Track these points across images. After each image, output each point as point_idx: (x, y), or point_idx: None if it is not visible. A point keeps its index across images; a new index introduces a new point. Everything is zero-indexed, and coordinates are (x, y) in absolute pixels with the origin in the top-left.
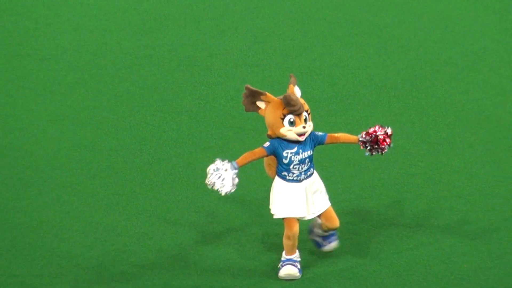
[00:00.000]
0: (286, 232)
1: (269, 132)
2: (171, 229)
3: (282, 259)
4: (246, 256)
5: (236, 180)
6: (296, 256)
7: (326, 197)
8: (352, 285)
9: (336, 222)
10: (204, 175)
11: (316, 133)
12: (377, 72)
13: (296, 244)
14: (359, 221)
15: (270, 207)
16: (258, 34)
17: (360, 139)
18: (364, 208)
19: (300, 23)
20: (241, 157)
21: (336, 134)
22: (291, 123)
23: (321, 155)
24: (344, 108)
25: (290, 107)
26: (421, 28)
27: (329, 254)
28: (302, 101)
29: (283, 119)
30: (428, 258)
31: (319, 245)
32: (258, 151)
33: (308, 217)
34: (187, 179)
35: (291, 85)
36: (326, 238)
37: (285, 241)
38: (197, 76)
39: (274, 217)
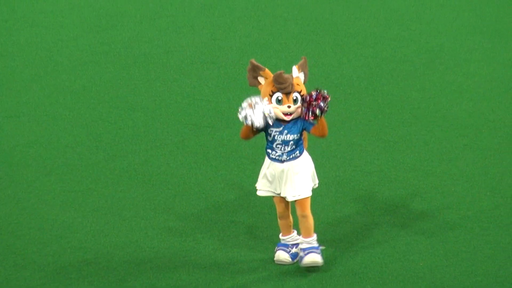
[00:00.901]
0: (277, 212)
1: None
2: (127, 226)
3: (281, 242)
4: (202, 253)
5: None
6: (311, 240)
7: (309, 185)
8: (308, 283)
9: (304, 210)
10: (160, 172)
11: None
12: (333, 69)
13: (291, 223)
14: (314, 219)
15: (256, 185)
16: (214, 31)
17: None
18: (319, 206)
19: (256, 20)
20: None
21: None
22: (279, 101)
23: None
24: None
25: (277, 84)
26: (377, 25)
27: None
28: (296, 81)
29: (271, 96)
30: (383, 257)
31: (299, 258)
32: (246, 128)
33: (289, 198)
34: (143, 176)
35: (294, 66)
36: (304, 249)
37: (278, 221)
38: (153, 73)
39: (257, 193)
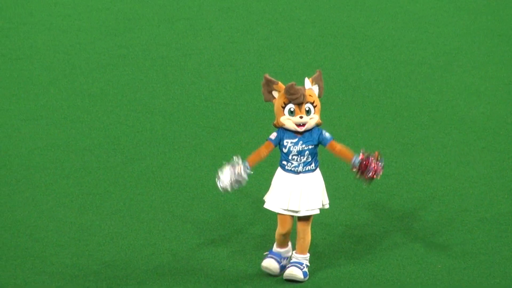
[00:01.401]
0: (278, 230)
1: (274, 122)
2: (145, 229)
3: (274, 251)
4: (220, 256)
5: (237, 178)
6: (301, 257)
7: (321, 201)
8: (326, 285)
9: (307, 227)
10: (178, 175)
11: (324, 132)
12: (351, 72)
13: (289, 239)
14: (332, 221)
15: (265, 197)
16: (232, 34)
17: (354, 164)
18: (337, 208)
19: (274, 23)
20: (250, 157)
21: (337, 145)
22: (291, 113)
23: None
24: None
25: (289, 95)
26: (395, 28)
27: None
28: (309, 92)
29: (284, 107)
30: (402, 259)
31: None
32: (265, 147)
33: (302, 213)
34: (160, 179)
35: (306, 78)
36: (291, 261)
37: (278, 236)
38: (171, 76)
39: (265, 206)
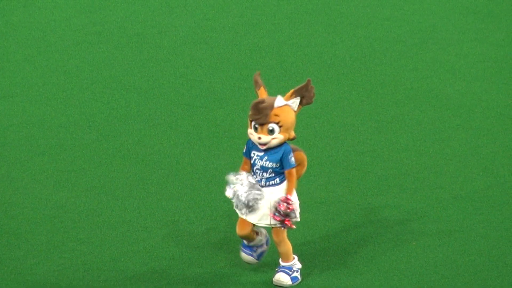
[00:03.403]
0: (236, 230)
1: None
2: (120, 206)
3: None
4: (194, 233)
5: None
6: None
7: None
8: (300, 262)
9: (278, 236)
10: (153, 152)
11: (290, 158)
12: (326, 49)
13: (253, 236)
14: (307, 198)
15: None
16: (207, 11)
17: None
18: (312, 185)
19: (248, 1)
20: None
21: (291, 177)
22: (255, 129)
23: None
24: (293, 85)
25: (251, 113)
26: (370, 5)
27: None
28: (276, 112)
29: (251, 121)
30: (376, 236)
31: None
32: (244, 163)
33: (257, 223)
34: (136, 156)
35: (279, 96)
36: (279, 266)
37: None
38: (146, 53)
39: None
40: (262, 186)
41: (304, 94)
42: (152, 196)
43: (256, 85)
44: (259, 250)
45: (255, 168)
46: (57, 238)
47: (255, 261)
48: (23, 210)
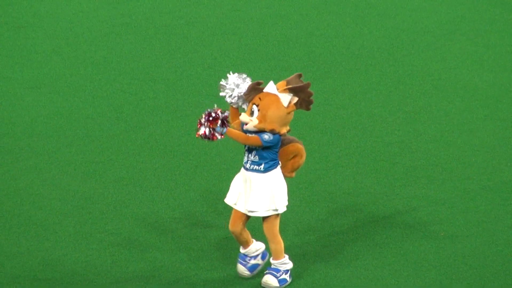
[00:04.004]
0: (229, 226)
1: None
2: (148, 197)
3: (241, 253)
4: (222, 224)
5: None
6: (279, 262)
7: (265, 205)
8: (329, 253)
9: (269, 232)
10: (181, 143)
11: (263, 135)
12: (354, 40)
13: (246, 238)
14: (335, 189)
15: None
16: (235, 2)
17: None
18: (340, 176)
19: None
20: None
21: (248, 137)
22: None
23: (298, 123)
24: (320, 76)
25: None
26: None
27: (309, 226)
28: (262, 95)
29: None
30: (404, 227)
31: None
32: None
33: (244, 212)
34: (163, 147)
35: (271, 81)
36: (268, 267)
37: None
38: (174, 44)
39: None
40: (247, 169)
41: (299, 95)
42: (180, 187)
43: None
44: (252, 262)
45: (244, 148)
46: (85, 229)
47: (247, 272)
48: (51, 201)
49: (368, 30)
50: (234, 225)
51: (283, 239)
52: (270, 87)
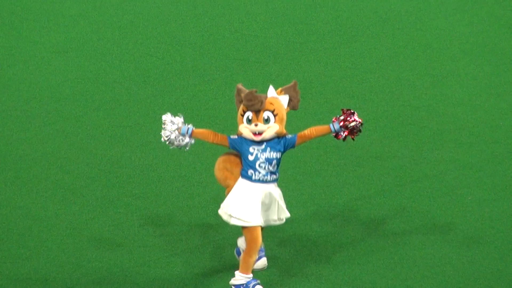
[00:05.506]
0: (250, 246)
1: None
2: (175, 161)
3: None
4: None
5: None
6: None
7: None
8: (356, 217)
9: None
10: (208, 107)
11: (287, 136)
12: (381, 4)
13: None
14: (362, 153)
15: (226, 210)
16: None
17: (333, 129)
18: (368, 140)
19: None
20: (201, 129)
21: (306, 132)
22: (249, 121)
23: (325, 87)
24: (348, 40)
25: (246, 102)
26: None
27: (337, 190)
28: (270, 100)
29: (243, 116)
30: (432, 191)
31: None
32: (221, 136)
33: (273, 222)
34: (191, 111)
35: (271, 86)
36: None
37: (247, 258)
38: (200, 8)
39: (232, 222)
40: (267, 181)
41: (291, 94)
42: (207, 151)
43: (242, 92)
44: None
45: (258, 162)
46: (112, 193)
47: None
48: (78, 166)
49: None
50: (260, 238)
51: (313, 203)
52: (272, 91)
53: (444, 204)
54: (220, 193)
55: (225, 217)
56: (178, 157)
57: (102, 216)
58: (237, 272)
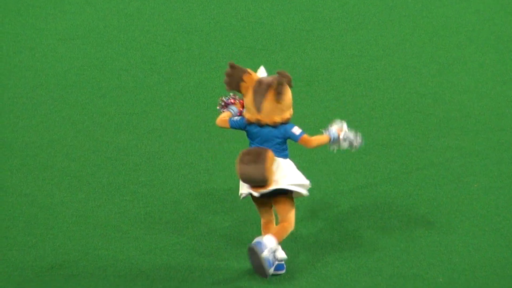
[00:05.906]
0: (294, 218)
1: (285, 116)
2: (182, 149)
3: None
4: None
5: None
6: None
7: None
8: (362, 204)
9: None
10: (215, 94)
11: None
12: None
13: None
14: (369, 141)
15: (307, 183)
16: None
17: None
18: (374, 128)
19: None
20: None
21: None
22: None
23: (332, 75)
24: (354, 27)
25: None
26: None
27: (343, 177)
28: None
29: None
30: (438, 178)
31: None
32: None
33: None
34: (197, 98)
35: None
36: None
37: (290, 228)
38: None
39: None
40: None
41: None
42: (214, 138)
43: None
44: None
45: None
46: (119, 180)
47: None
48: (85, 153)
49: None
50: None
51: (320, 191)
52: (263, 72)
53: (450, 191)
54: (227, 181)
55: (304, 192)
56: (184, 144)
57: (108, 204)
58: (270, 236)
